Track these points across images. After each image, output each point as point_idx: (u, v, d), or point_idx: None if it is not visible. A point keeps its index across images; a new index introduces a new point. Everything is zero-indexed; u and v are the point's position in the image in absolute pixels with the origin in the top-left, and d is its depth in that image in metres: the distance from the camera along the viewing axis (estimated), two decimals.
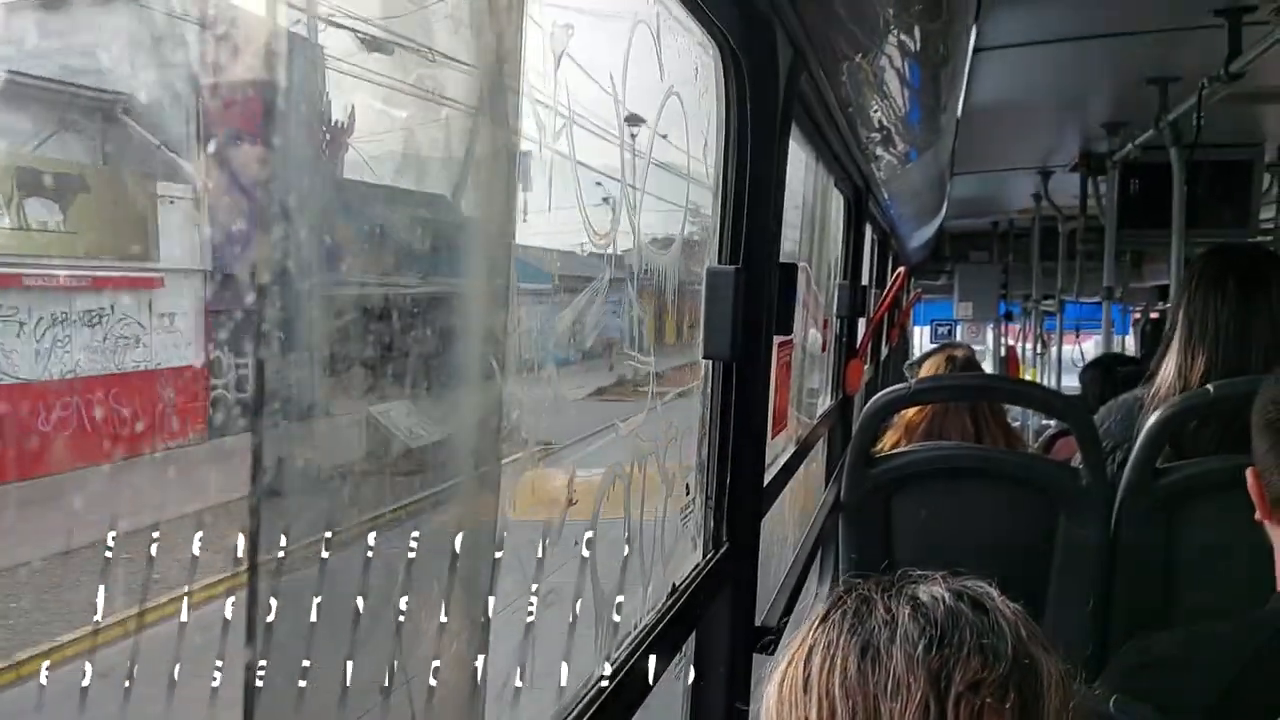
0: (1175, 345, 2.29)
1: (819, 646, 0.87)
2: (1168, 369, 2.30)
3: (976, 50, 2.72)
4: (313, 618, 0.54)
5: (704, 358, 1.47)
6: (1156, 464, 2.26)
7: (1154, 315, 8.29)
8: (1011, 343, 10.92)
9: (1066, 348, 9.21)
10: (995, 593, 0.89)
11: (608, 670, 1.07)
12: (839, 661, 0.85)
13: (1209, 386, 2.20)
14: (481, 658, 0.75)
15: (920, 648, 0.82)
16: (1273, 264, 2.33)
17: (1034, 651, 0.85)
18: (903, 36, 1.95)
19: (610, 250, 1.19)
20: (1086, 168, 5.01)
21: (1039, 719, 0.83)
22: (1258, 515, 1.40)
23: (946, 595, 0.87)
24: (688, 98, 1.31)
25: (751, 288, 1.45)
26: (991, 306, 9.85)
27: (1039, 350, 10.44)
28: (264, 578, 0.49)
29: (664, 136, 1.29)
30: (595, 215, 1.13)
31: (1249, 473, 1.39)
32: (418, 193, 0.71)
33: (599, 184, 1.16)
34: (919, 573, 0.91)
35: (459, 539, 0.72)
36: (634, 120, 1.19)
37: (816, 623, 0.90)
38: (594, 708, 0.99)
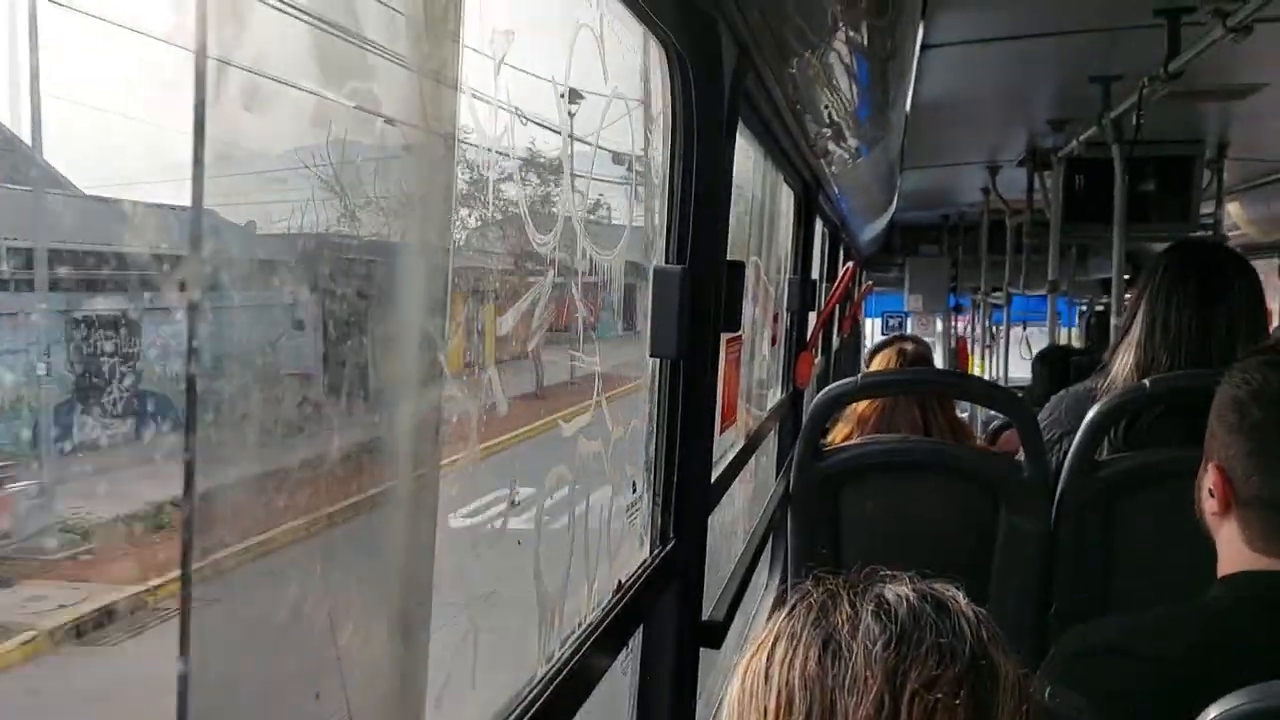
0: (1134, 340, 2.33)
1: (782, 637, 0.89)
2: (1125, 362, 2.34)
3: (924, 47, 2.75)
4: (249, 623, 0.55)
5: (650, 356, 1.48)
6: (1097, 456, 2.31)
7: (1099, 307, 8.44)
8: (961, 334, 11.05)
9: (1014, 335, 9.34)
10: (960, 595, 0.91)
11: (553, 666, 1.08)
12: (800, 654, 0.86)
13: (1145, 381, 2.25)
14: (422, 656, 0.76)
15: (879, 645, 0.84)
16: (1235, 262, 2.38)
17: (992, 654, 0.87)
18: (850, 33, 1.97)
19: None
20: (1033, 163, 5.09)
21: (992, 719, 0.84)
22: (1209, 510, 1.41)
23: (911, 595, 0.89)
24: (632, 100, 1.31)
25: (698, 286, 1.46)
26: (941, 299, 9.96)
27: (987, 343, 10.58)
28: (198, 586, 0.49)
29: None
30: None
31: (1211, 468, 1.40)
32: (354, 200, 0.71)
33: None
34: (886, 571, 0.93)
35: (397, 539, 0.73)
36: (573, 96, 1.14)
37: (783, 614, 0.91)
38: (540, 703, 0.99)
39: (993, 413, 5.85)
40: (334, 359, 0.63)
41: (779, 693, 0.85)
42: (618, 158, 1.35)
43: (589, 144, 1.24)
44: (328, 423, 0.62)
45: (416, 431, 0.72)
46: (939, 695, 0.82)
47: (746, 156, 2.56)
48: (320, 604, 0.60)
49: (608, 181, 1.34)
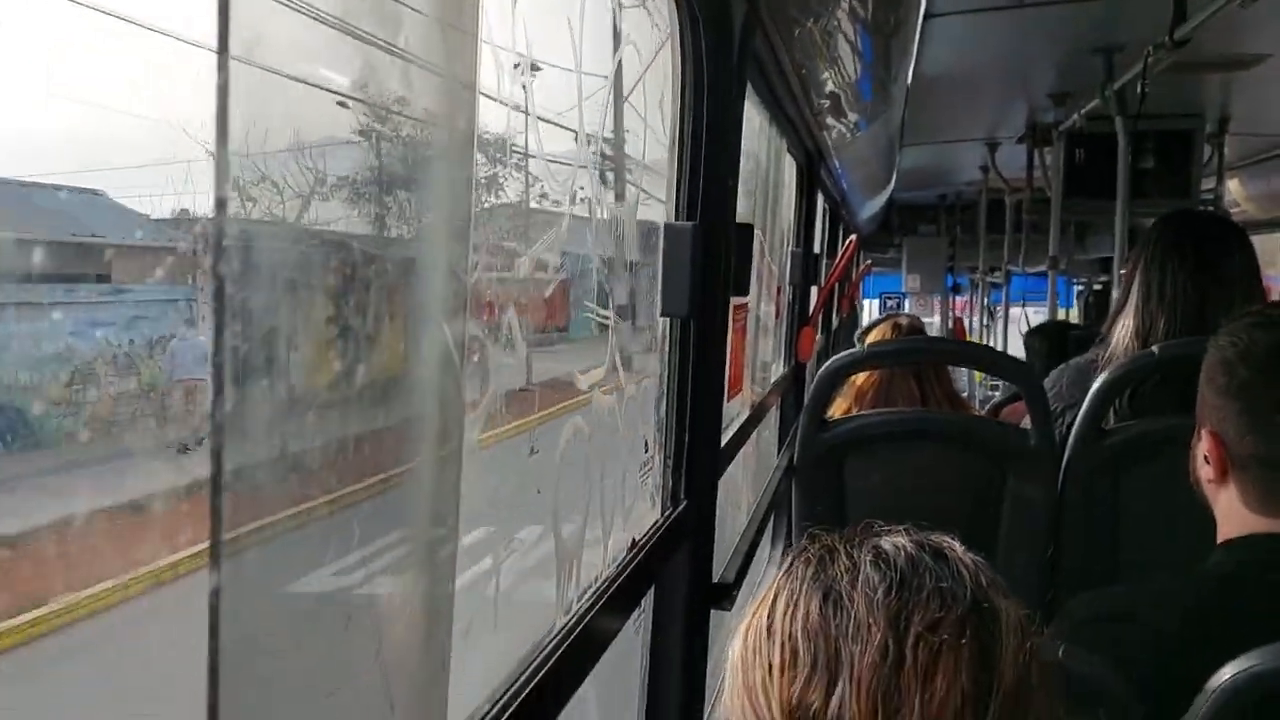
0: (1131, 308, 2.33)
1: (782, 593, 0.89)
2: (1125, 331, 2.33)
3: (926, 17, 2.73)
4: (278, 579, 0.54)
5: (661, 315, 1.47)
6: (1104, 424, 2.30)
7: (1097, 286, 8.44)
8: (959, 314, 11.08)
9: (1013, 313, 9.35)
10: (956, 544, 0.92)
11: (571, 618, 1.07)
12: (801, 607, 0.86)
13: (1154, 348, 2.24)
14: (447, 609, 0.75)
15: (880, 591, 0.84)
16: (1231, 231, 2.37)
17: (992, 596, 0.87)
18: (853, 2, 1.96)
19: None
20: (1033, 139, 5.07)
21: (997, 659, 0.84)
22: (1205, 477, 1.41)
23: (908, 545, 0.89)
24: (645, 53, 1.30)
25: (709, 245, 1.45)
26: (938, 279, 9.97)
27: (985, 322, 10.60)
28: (228, 544, 0.48)
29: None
30: None
31: (1205, 434, 1.40)
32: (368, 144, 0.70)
33: None
34: (882, 525, 0.93)
35: (422, 494, 0.72)
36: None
37: (781, 572, 0.91)
38: (555, 658, 0.99)
39: (990, 390, 5.86)
40: (355, 314, 0.63)
41: (783, 646, 0.85)
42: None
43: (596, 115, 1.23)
44: (360, 376, 0.62)
45: (441, 385, 0.71)
46: (944, 637, 0.82)
47: (749, 123, 2.55)
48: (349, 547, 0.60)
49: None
